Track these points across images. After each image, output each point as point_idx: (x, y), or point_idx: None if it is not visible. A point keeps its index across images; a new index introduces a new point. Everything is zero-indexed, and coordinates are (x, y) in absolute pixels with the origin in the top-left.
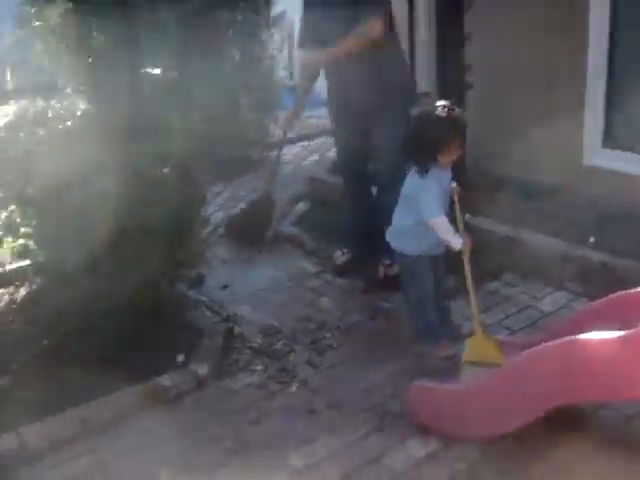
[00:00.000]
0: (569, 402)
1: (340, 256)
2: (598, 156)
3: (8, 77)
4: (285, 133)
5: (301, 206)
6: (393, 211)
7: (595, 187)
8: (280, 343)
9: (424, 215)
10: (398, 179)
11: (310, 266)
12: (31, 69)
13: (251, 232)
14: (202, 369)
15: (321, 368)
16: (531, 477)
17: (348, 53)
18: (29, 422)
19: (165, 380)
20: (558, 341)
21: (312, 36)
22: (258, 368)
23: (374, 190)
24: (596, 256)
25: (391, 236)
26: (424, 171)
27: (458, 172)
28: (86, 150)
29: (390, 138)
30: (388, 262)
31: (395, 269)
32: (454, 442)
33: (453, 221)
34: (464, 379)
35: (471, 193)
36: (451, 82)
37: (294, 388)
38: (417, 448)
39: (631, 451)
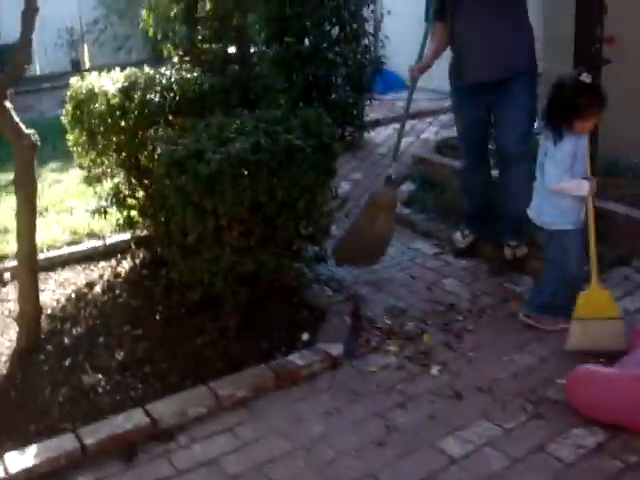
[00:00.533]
0: None
1: (461, 238)
2: None
3: (86, 54)
4: (411, 90)
5: (406, 187)
6: (519, 190)
7: None
8: (411, 324)
9: (546, 181)
10: (525, 155)
11: (428, 247)
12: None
13: (365, 252)
14: (336, 349)
15: (460, 351)
16: None
17: None
18: (157, 398)
19: (297, 359)
20: None
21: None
22: (392, 349)
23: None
24: None
25: (536, 212)
26: (558, 137)
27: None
28: (206, 117)
29: (520, 107)
30: (515, 243)
31: (523, 250)
32: (621, 432)
33: None
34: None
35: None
36: (588, 56)
37: (435, 371)
38: (583, 437)
39: None
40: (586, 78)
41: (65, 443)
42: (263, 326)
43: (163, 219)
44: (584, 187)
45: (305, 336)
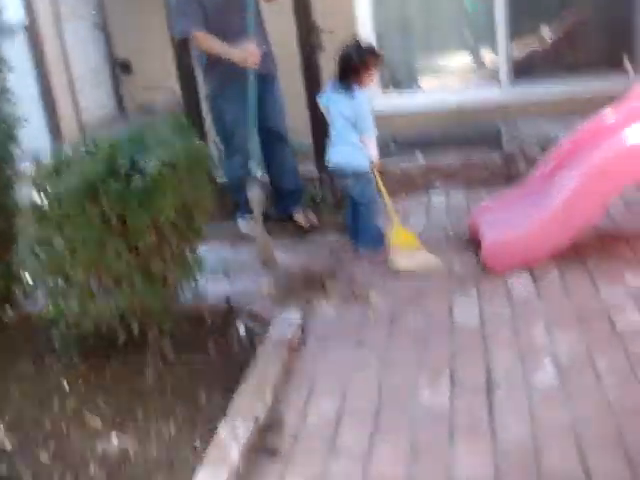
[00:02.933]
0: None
1: (246, 223)
2: None
3: None
4: None
5: None
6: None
7: None
8: None
9: (365, 130)
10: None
11: None
12: None
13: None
14: None
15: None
16: None
17: None
18: None
19: None
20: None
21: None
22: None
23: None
24: None
25: (341, 157)
26: (351, 94)
27: None
28: None
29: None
30: (301, 209)
31: (312, 214)
32: None
33: None
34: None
35: None
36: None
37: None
38: None
39: None
40: (365, 41)
41: None
42: None
43: None
44: (377, 155)
45: None
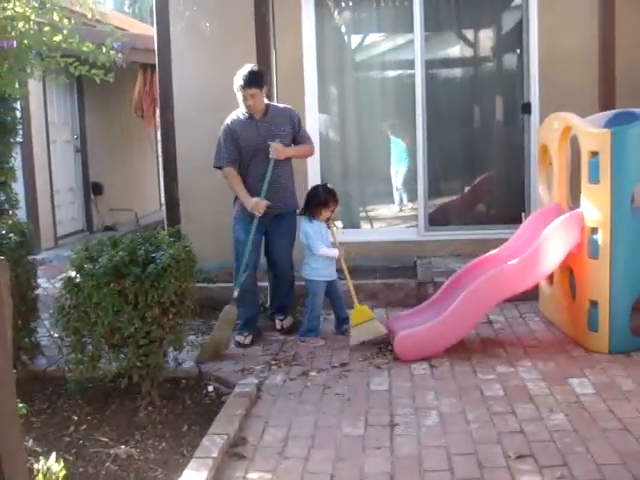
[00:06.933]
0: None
1: (243, 338)
2: None
3: None
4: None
5: None
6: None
7: None
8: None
9: (314, 248)
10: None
11: None
12: None
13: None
14: None
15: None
16: None
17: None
18: None
19: None
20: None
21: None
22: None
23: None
24: None
25: (303, 270)
26: (311, 220)
27: None
28: None
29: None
30: (282, 317)
31: (290, 320)
32: None
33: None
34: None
35: None
36: None
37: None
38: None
39: None
40: (330, 186)
41: None
42: None
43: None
44: (334, 252)
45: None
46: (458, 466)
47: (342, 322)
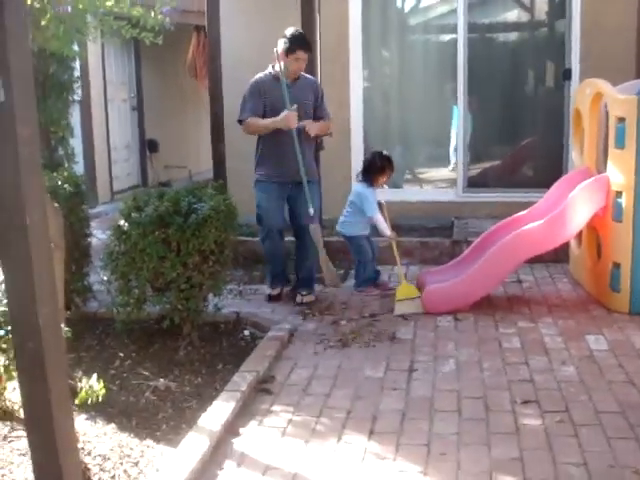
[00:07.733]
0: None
1: (271, 290)
2: None
3: None
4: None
5: None
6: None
7: None
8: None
9: (370, 211)
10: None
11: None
12: None
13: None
14: None
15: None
16: None
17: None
18: None
19: None
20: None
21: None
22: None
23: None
24: None
25: (344, 228)
26: (370, 185)
27: None
28: None
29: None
30: (305, 292)
31: (311, 297)
32: None
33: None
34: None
35: None
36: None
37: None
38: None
39: None
40: (385, 153)
41: None
42: None
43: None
44: (387, 231)
45: None
46: (466, 408)
47: (375, 276)
